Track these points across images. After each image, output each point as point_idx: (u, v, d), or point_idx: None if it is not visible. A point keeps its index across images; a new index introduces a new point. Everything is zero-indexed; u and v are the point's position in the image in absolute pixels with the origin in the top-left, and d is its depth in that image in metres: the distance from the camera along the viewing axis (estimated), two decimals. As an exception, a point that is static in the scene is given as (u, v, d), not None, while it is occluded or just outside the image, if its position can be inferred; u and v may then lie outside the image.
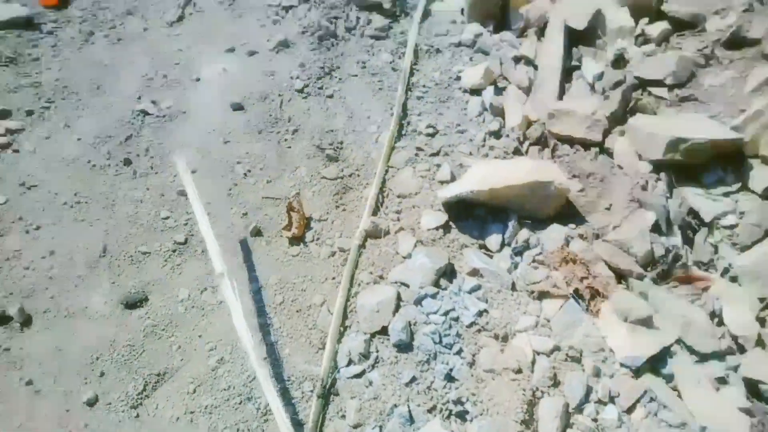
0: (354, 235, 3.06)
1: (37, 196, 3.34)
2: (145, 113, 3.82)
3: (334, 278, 2.93)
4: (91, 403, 2.52)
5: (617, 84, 3.63)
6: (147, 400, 2.52)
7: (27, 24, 4.38)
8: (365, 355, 2.58)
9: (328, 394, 2.49)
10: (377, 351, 2.60)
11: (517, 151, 3.47)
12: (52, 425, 2.46)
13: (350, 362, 2.57)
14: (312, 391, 2.49)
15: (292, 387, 2.53)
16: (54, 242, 3.12)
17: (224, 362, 2.63)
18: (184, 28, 4.53)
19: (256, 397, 2.50)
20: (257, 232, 3.16)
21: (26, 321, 2.78)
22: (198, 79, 4.07)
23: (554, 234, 2.95)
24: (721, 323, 2.69)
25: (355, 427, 2.40)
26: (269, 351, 2.57)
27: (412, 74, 3.99)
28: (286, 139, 3.68)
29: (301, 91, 3.96)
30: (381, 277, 2.89)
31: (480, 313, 2.66)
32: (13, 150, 3.57)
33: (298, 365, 2.59)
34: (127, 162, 3.53)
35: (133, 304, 2.85)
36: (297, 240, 3.11)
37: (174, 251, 3.08)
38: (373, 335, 2.65)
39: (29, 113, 3.77)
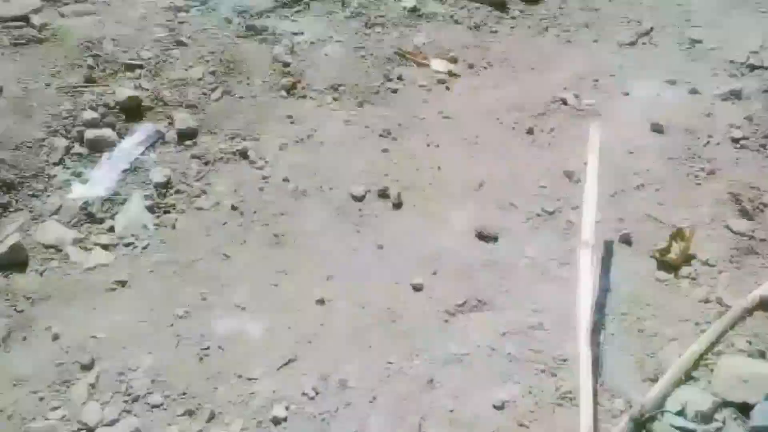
0: (746, 296, 2.50)
1: (448, 124, 3.75)
2: (564, 102, 3.92)
3: (697, 324, 2.44)
4: (417, 288, 2.68)
5: None
6: (461, 315, 2.54)
7: (501, 5, 4.98)
8: (705, 418, 2.05)
9: (642, 425, 2.07)
10: (724, 423, 2.05)
11: None
12: (380, 287, 2.70)
13: (682, 413, 2.08)
14: (623, 411, 2.11)
15: (601, 395, 2.19)
16: (443, 160, 3.43)
17: (542, 328, 2.46)
18: (631, 52, 4.48)
19: (560, 378, 2.26)
20: (626, 240, 2.88)
21: (398, 205, 3.14)
22: (627, 94, 4.00)
23: None
24: None
25: (660, 479, 1.93)
26: (593, 349, 2.27)
27: None
28: (697, 176, 3.28)
29: (736, 141, 3.49)
30: (763, 354, 2.29)
31: None
32: (446, 87, 4.10)
33: (618, 379, 2.24)
34: (530, 131, 3.68)
35: (485, 237, 2.93)
36: (670, 268, 2.71)
37: (538, 215, 3.06)
38: (725, 404, 2.10)
39: (470, 66, 4.27)
